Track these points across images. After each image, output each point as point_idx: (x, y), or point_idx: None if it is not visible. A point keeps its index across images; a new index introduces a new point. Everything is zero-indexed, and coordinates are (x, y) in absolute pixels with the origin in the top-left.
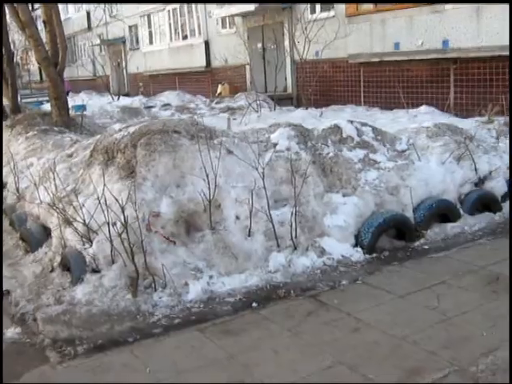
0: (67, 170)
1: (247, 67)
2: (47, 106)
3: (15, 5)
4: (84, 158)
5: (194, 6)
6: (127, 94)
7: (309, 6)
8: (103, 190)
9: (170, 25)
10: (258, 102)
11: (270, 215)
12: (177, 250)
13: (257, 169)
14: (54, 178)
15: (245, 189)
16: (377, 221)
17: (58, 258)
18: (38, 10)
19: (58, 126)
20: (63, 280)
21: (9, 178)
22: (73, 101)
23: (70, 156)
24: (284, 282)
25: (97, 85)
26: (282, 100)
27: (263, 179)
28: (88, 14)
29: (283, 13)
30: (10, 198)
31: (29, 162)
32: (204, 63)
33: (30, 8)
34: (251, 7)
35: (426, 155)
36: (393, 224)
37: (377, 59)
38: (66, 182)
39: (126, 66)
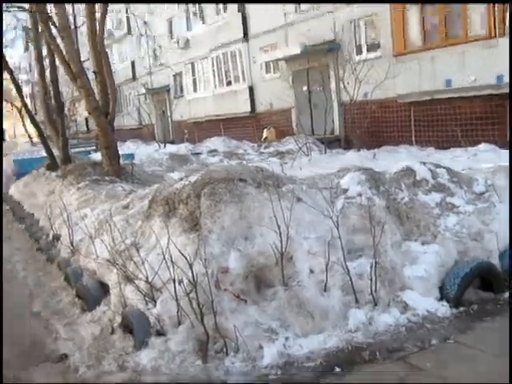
0: (124, 222)
1: (293, 111)
2: (96, 156)
3: (66, 56)
4: (141, 210)
5: (237, 52)
6: (172, 142)
7: (354, 47)
8: (167, 243)
9: (213, 72)
10: (307, 145)
11: (347, 268)
12: (248, 309)
13: (331, 217)
14: (112, 231)
15: (318, 239)
16: (463, 271)
17: (119, 319)
18: (88, 62)
19: (108, 175)
20: (125, 343)
21: (62, 230)
22: (121, 150)
23: (126, 207)
24: (366, 343)
25: (142, 133)
26: (330, 143)
27: (338, 228)
28: (133, 64)
29: (328, 55)
30: (63, 251)
31: (82, 214)
32: (249, 108)
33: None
34: (296, 51)
35: (506, 196)
36: (478, 273)
37: (428, 97)
38: (123, 235)
39: (170, 113)
